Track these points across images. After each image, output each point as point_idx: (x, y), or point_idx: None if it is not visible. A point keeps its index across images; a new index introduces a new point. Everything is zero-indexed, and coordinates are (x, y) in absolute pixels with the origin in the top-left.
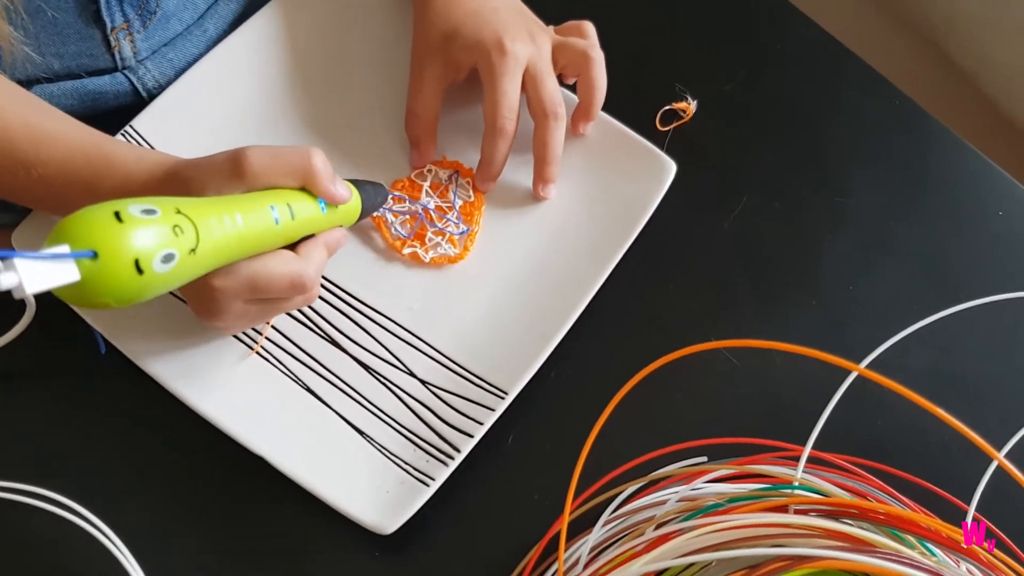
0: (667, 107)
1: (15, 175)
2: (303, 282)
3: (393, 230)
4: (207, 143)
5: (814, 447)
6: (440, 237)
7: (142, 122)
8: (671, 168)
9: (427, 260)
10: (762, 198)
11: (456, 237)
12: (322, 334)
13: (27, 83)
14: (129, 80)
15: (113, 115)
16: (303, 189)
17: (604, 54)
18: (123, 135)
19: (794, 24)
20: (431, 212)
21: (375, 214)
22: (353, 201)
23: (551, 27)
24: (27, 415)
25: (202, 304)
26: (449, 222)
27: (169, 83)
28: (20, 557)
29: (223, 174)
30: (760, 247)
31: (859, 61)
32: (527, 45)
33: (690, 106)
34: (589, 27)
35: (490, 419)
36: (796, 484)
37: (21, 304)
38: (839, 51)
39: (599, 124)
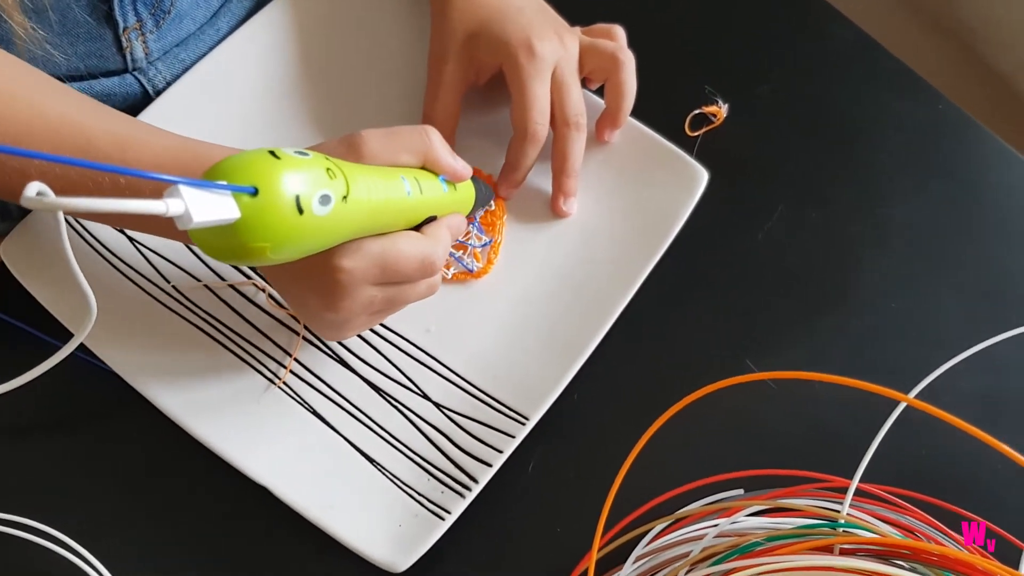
0: (697, 111)
1: (99, 182)
2: (433, 261)
3: None
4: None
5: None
6: (461, 252)
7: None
8: (703, 176)
9: (449, 277)
10: (798, 208)
11: (479, 250)
12: (331, 354)
13: None
14: (139, 81)
15: None
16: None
17: (632, 53)
18: None
19: (830, 23)
20: None
21: None
22: (468, 186)
23: (577, 28)
24: (19, 444)
25: (326, 290)
26: (471, 234)
27: None
28: None
29: (339, 155)
30: (797, 260)
31: (899, 64)
32: (556, 46)
33: (721, 110)
34: (619, 30)
35: (510, 447)
36: (842, 522)
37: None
38: (878, 52)
39: (626, 129)
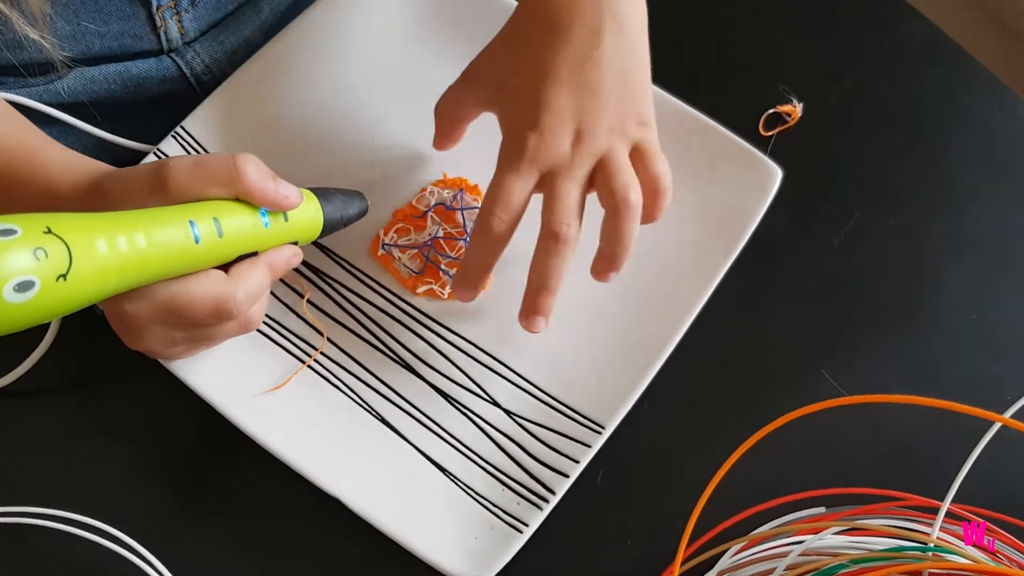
0: (771, 110)
1: None
2: (228, 308)
3: (403, 268)
4: (262, 144)
5: (937, 499)
6: (454, 268)
7: (194, 123)
8: (776, 174)
9: (445, 296)
10: (876, 214)
11: None
12: (399, 360)
13: (66, 66)
14: (176, 64)
15: (159, 101)
16: (241, 200)
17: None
18: (173, 137)
19: (906, 21)
20: (441, 242)
21: (382, 251)
22: (307, 211)
23: (629, 134)
24: (62, 438)
25: (119, 329)
26: (463, 248)
27: (219, 67)
28: None
29: (143, 188)
30: (874, 267)
31: (977, 65)
32: (557, 152)
33: (796, 109)
34: (663, 179)
35: (586, 456)
36: (932, 544)
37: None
38: (955, 53)
39: (696, 126)
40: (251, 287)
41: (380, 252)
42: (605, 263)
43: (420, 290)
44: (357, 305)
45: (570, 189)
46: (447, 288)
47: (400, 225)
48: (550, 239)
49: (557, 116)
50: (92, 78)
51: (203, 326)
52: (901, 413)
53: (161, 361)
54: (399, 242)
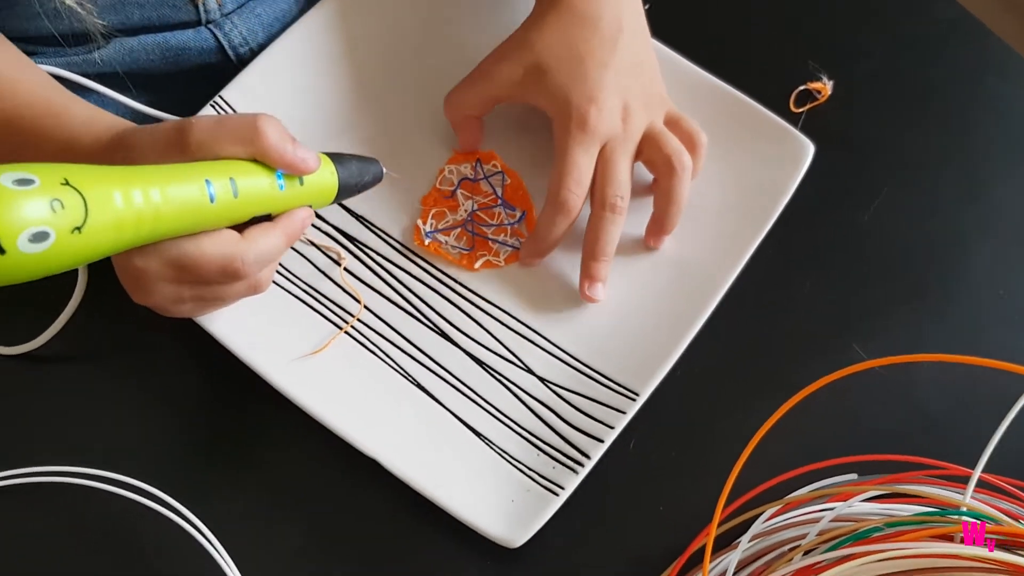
0: (802, 87)
1: None
2: (236, 268)
3: (451, 250)
4: (302, 114)
5: (969, 467)
6: (502, 235)
7: (232, 92)
8: (808, 149)
9: (502, 264)
10: (904, 191)
11: (517, 226)
12: (433, 327)
13: (104, 37)
14: (214, 36)
15: (197, 73)
16: (258, 162)
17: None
18: (212, 106)
19: (936, 2)
20: (479, 214)
21: (428, 240)
22: (322, 176)
23: (662, 106)
24: (92, 399)
25: (127, 283)
26: (501, 214)
27: (256, 41)
28: (103, 545)
29: (164, 143)
30: (903, 244)
31: (1005, 46)
32: (613, 122)
33: (826, 87)
34: (700, 137)
35: (621, 422)
36: (963, 510)
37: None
38: (983, 34)
39: (729, 101)
40: (262, 250)
41: (427, 242)
42: (660, 225)
43: (478, 264)
44: (393, 273)
45: (624, 163)
46: (502, 256)
47: (435, 210)
48: (606, 209)
49: (608, 93)
50: (131, 48)
51: (211, 284)
52: (931, 382)
53: (199, 323)
54: (439, 227)
